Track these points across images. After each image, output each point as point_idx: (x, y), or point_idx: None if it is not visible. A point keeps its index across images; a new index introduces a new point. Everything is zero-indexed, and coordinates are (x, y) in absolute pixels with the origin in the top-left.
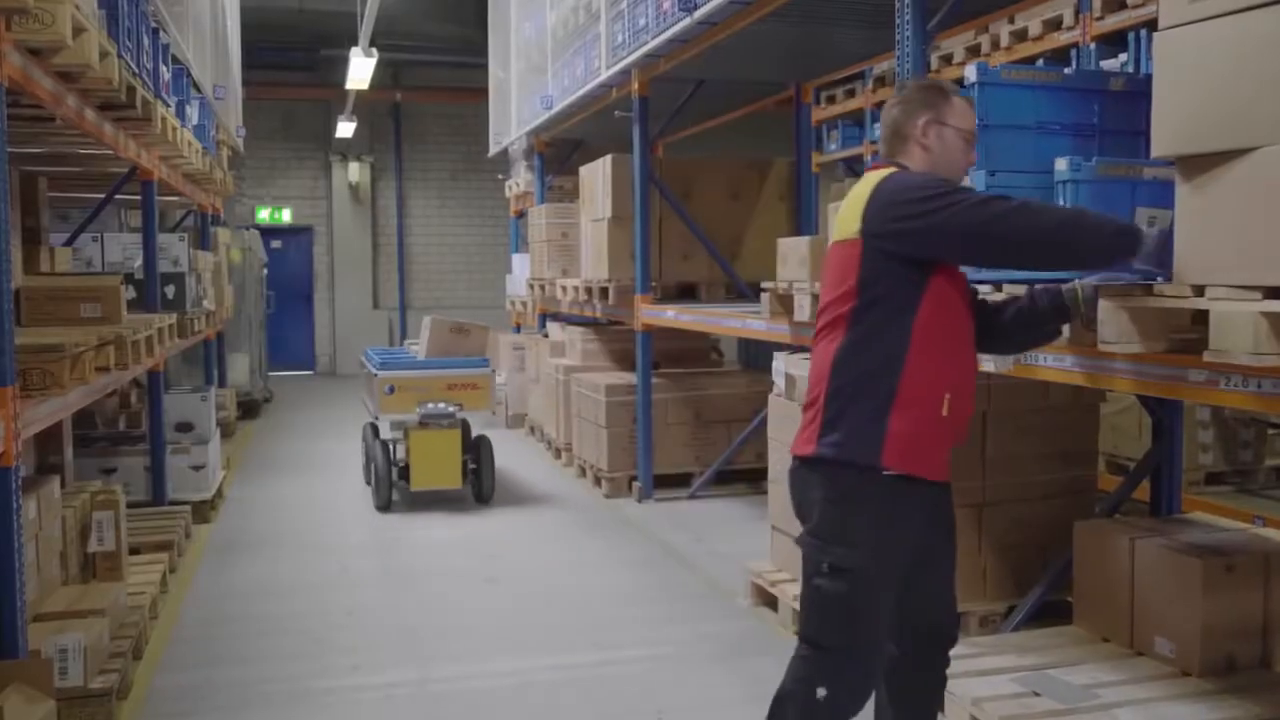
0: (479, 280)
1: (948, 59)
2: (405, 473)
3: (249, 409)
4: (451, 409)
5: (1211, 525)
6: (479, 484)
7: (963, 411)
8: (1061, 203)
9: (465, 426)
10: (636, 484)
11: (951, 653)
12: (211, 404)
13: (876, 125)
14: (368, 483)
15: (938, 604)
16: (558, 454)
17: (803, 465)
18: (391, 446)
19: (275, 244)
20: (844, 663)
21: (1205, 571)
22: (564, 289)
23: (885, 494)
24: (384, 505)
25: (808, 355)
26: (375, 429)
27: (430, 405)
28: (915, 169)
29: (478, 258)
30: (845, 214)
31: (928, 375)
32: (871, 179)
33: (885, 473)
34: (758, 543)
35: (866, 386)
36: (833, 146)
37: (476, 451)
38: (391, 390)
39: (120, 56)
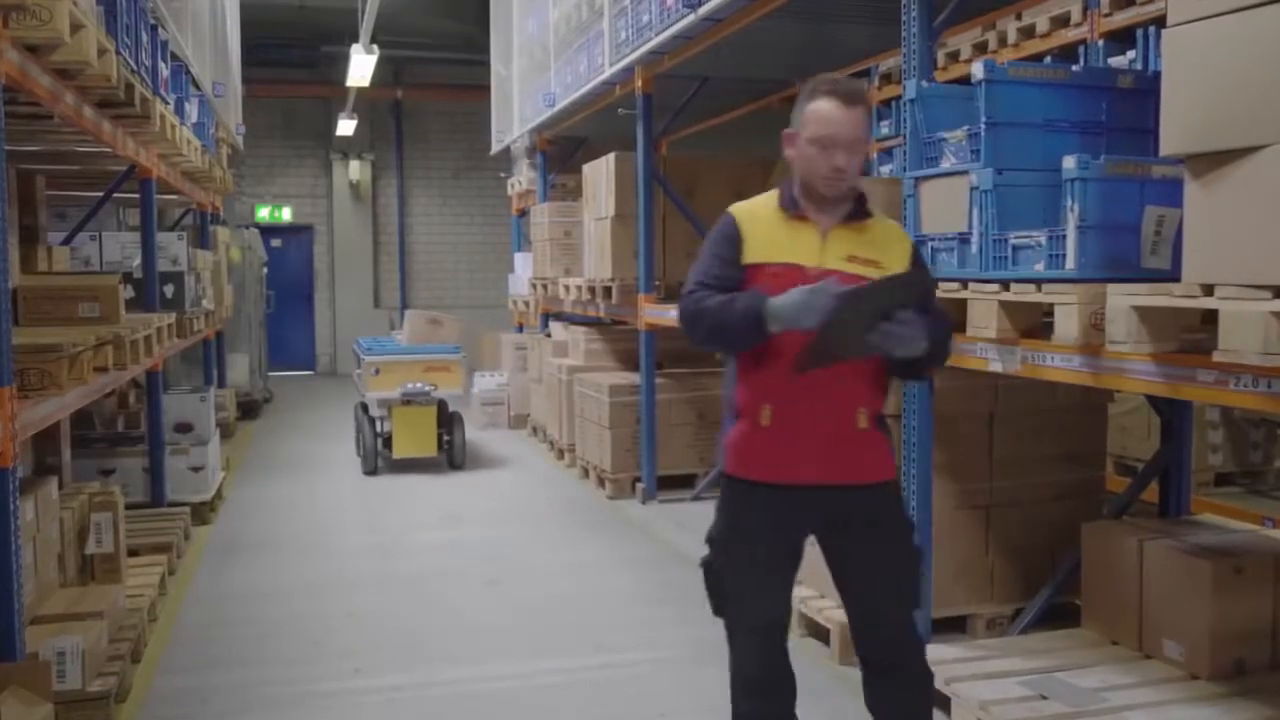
0: (481, 279)
1: (954, 56)
2: (389, 443)
3: (249, 409)
4: (428, 388)
5: (1221, 527)
6: (451, 453)
7: (798, 421)
8: (1069, 201)
9: (442, 404)
10: (640, 485)
11: (956, 656)
12: (211, 404)
13: (881, 124)
14: (358, 454)
15: (872, 611)
16: (560, 455)
17: None
18: (379, 421)
19: (275, 243)
20: (728, 630)
21: (1214, 573)
22: (567, 288)
23: (730, 494)
24: (370, 471)
25: None
26: (365, 407)
27: (410, 385)
28: (797, 182)
29: (480, 257)
30: None
31: (750, 389)
32: None
33: (726, 475)
34: None
35: (725, 399)
36: None
37: (450, 425)
38: (377, 372)
39: (118, 53)
